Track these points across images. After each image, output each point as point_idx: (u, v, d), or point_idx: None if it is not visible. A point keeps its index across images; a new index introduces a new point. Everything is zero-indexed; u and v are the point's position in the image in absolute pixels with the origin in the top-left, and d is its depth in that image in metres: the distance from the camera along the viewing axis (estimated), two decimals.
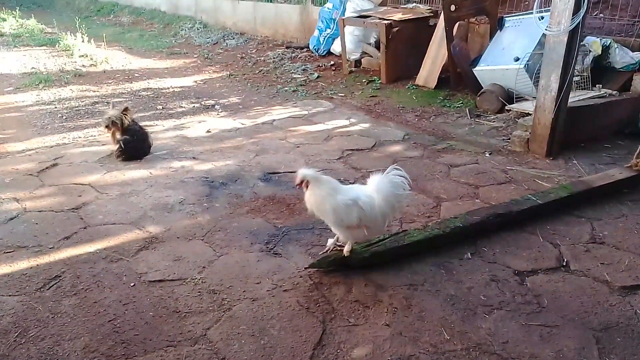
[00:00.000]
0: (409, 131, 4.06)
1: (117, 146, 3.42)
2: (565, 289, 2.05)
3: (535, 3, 3.33)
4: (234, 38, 8.40)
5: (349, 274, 2.15)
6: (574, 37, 3.12)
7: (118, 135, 3.44)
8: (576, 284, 2.08)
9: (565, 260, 2.24)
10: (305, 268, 2.18)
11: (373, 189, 2.07)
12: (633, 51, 4.21)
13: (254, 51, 7.53)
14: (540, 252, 2.30)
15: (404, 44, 5.28)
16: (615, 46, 4.22)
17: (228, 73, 6.37)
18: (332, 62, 6.37)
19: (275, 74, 6.21)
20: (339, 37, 5.91)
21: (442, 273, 2.16)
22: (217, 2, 9.42)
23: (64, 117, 4.51)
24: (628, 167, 2.96)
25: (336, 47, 6.41)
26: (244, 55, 7.36)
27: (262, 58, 7.01)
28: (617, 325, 1.85)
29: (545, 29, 3.21)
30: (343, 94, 5.26)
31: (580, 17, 3.02)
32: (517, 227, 2.48)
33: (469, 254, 2.29)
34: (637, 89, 4.04)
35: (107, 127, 3.44)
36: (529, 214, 2.54)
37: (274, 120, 4.42)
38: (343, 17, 5.88)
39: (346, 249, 2.14)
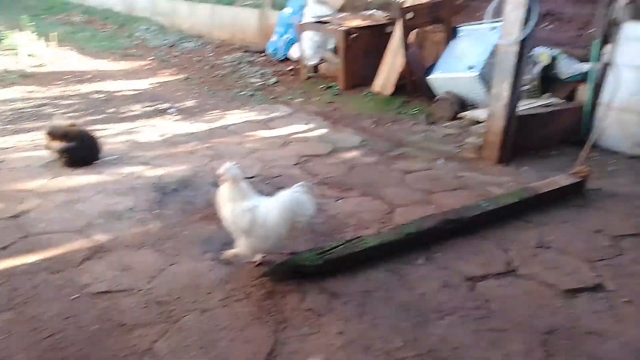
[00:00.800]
0: (365, 137, 4.08)
1: (60, 155, 3.27)
2: (513, 293, 2.10)
3: (487, 13, 3.42)
4: (191, 41, 8.25)
5: (303, 282, 2.12)
6: (524, 47, 3.22)
7: (58, 144, 3.27)
8: (524, 288, 2.13)
9: (514, 265, 2.29)
10: (259, 277, 2.14)
11: (276, 202, 2.06)
12: (579, 62, 4.39)
13: (211, 55, 7.42)
14: (491, 257, 2.35)
15: (362, 51, 5.32)
16: (562, 57, 4.39)
17: (184, 76, 6.25)
18: (290, 67, 6.35)
19: (233, 78, 6.14)
20: (298, 43, 5.90)
21: (395, 279, 2.17)
22: (174, 4, 9.25)
23: (7, 120, 4.30)
24: (572, 174, 3.07)
25: (295, 52, 6.39)
26: (201, 58, 7.25)
27: (220, 62, 6.91)
28: (562, 327, 1.90)
29: (498, 39, 3.30)
30: (301, 99, 5.25)
31: (530, 28, 3.12)
32: (469, 233, 2.52)
33: (422, 259, 2.31)
34: (581, 98, 4.21)
35: (49, 134, 3.30)
36: (480, 219, 2.59)
37: (230, 124, 4.36)
38: (301, 23, 5.88)
39: (234, 251, 2.12)
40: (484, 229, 2.56)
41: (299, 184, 2.10)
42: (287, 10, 6.58)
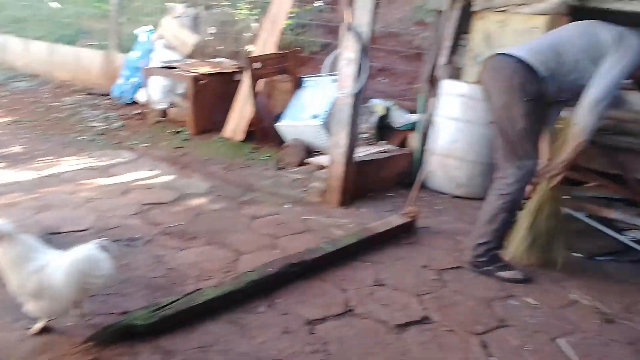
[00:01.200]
0: (214, 183, 4.03)
1: None
2: (350, 333, 2.17)
3: (324, 67, 3.67)
4: (24, 80, 7.49)
5: (135, 343, 1.96)
6: (358, 99, 3.50)
7: None
8: (360, 326, 2.23)
9: (352, 304, 2.39)
10: (82, 343, 1.93)
11: (63, 262, 1.88)
12: (409, 113, 4.90)
13: (48, 96, 6.80)
14: (330, 298, 2.42)
15: (211, 97, 5.31)
16: (394, 108, 4.87)
17: (13, 119, 5.61)
18: (137, 111, 6.07)
19: (71, 122, 5.67)
20: (145, 86, 5.70)
21: (236, 330, 2.11)
22: (4, 39, 8.36)
23: None
24: (404, 214, 3.35)
25: (142, 96, 6.15)
26: (35, 99, 6.59)
27: (58, 104, 6.36)
28: None
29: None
30: (147, 144, 5.03)
31: (362, 82, 3.42)
32: (311, 276, 2.59)
33: (264, 307, 2.29)
34: (411, 145, 4.68)
35: None
36: (321, 261, 2.68)
37: (65, 172, 3.98)
38: (149, 67, 5.71)
39: (36, 326, 1.94)
40: (325, 270, 2.65)
41: (96, 240, 1.94)
42: (135, 54, 6.36)
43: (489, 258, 2.79)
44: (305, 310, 2.29)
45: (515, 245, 2.91)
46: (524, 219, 2.88)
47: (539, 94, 2.61)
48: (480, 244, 2.79)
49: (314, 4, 6.19)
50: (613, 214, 3.31)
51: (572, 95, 2.66)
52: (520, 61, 2.61)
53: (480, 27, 4.65)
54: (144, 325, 2.00)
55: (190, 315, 2.13)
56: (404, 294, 2.54)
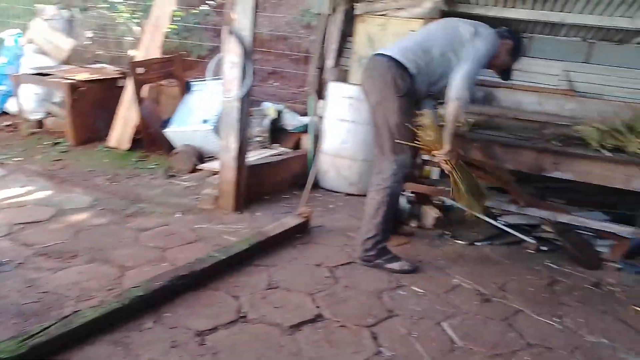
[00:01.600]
0: (98, 196, 3.77)
1: None
2: (242, 339, 2.14)
3: (208, 71, 3.59)
4: None
5: None
6: (245, 103, 3.47)
7: None
8: (252, 332, 2.20)
9: (244, 310, 2.36)
10: None
11: None
12: (300, 115, 4.96)
13: None
14: (222, 307, 2.37)
15: (92, 105, 4.99)
16: (286, 111, 4.91)
17: None
18: (7, 123, 5.53)
19: None
20: (16, 96, 5.20)
21: (119, 350, 1.99)
22: None
23: None
24: (298, 215, 3.38)
25: (12, 106, 5.61)
26: None
27: None
28: None
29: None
30: (20, 158, 4.59)
31: (247, 86, 3.39)
32: (202, 286, 2.51)
33: (151, 322, 2.18)
34: (305, 146, 4.75)
35: None
36: (212, 270, 2.61)
37: None
38: (17, 74, 5.22)
39: None
40: (217, 279, 2.59)
41: None
42: (1, 60, 5.78)
43: (378, 251, 2.90)
44: (195, 322, 2.21)
45: (467, 204, 3.07)
46: (458, 184, 2.99)
47: (410, 90, 2.81)
48: (367, 239, 2.90)
49: (200, 8, 6.05)
50: (488, 202, 3.58)
51: (442, 88, 2.90)
52: (392, 59, 2.79)
53: (362, 30, 4.83)
54: (11, 358, 1.81)
55: (66, 341, 1.97)
56: (297, 294, 2.55)
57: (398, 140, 2.82)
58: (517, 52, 3.03)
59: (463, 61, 2.77)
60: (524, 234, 3.60)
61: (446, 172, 3.01)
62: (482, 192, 3.10)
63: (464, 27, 2.85)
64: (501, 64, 3.03)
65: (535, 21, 4.77)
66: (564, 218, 3.37)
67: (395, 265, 2.91)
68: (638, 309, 2.80)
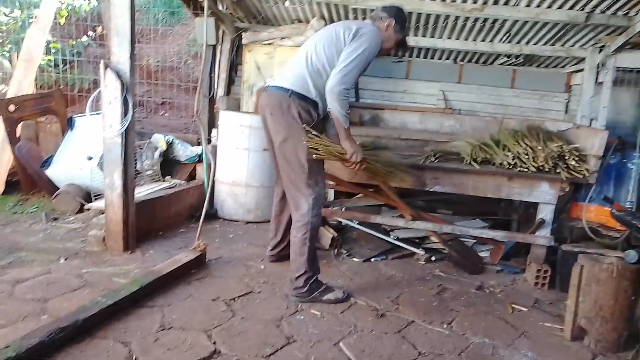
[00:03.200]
0: None
1: None
2: None
3: (88, 106, 3.43)
4: None
5: None
6: (129, 137, 3.34)
7: None
8: None
9: (135, 356, 2.24)
10: None
11: None
12: (192, 146, 4.88)
13: None
14: (110, 356, 2.23)
15: None
16: (178, 142, 4.81)
17: None
18: None
19: None
20: None
21: None
22: None
23: None
24: (193, 249, 3.30)
25: None
26: None
27: None
28: None
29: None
30: None
31: (129, 120, 3.28)
32: (87, 336, 2.34)
33: None
34: (200, 177, 4.67)
35: None
36: (99, 318, 2.45)
37: None
38: None
39: None
40: (104, 327, 2.44)
41: None
42: None
43: (310, 287, 2.88)
44: None
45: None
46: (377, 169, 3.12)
47: (314, 118, 2.79)
48: (298, 277, 2.87)
49: (79, 39, 5.77)
50: (378, 219, 3.75)
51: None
52: (293, 93, 2.74)
53: (251, 59, 4.91)
54: None
55: None
56: (192, 333, 2.48)
57: (311, 173, 2.80)
58: (403, 25, 2.98)
59: (336, 67, 2.70)
60: (414, 247, 3.81)
61: (359, 169, 2.99)
62: (393, 164, 3.27)
63: (343, 30, 2.77)
64: (394, 44, 2.99)
65: (411, 46, 5.14)
66: (447, 228, 3.62)
67: (330, 296, 2.91)
68: (515, 306, 3.07)
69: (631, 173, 3.68)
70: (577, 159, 3.33)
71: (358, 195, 4.14)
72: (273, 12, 4.82)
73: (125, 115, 3.24)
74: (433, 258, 3.73)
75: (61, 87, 5.18)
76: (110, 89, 3.17)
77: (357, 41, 2.73)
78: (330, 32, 2.83)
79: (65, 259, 3.31)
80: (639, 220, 2.44)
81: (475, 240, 3.85)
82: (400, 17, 2.95)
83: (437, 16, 4.48)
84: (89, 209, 4.15)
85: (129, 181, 3.37)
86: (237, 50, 5.24)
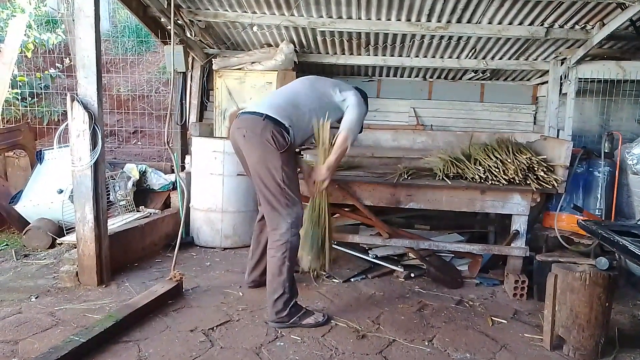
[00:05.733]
0: None
1: None
2: None
3: (57, 139, 3.38)
4: None
5: None
6: (98, 169, 3.29)
7: None
8: None
9: None
10: None
11: None
12: (165, 173, 4.83)
13: None
14: None
15: None
16: (150, 170, 4.75)
17: None
18: None
19: None
20: None
21: None
22: None
23: None
24: (169, 279, 3.24)
25: None
26: None
27: None
28: None
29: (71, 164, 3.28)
30: None
31: (98, 152, 3.23)
32: None
33: None
34: (175, 205, 4.62)
35: None
36: (72, 358, 2.38)
37: None
38: None
39: None
40: None
41: None
42: None
43: (289, 311, 2.84)
44: None
45: (305, 257, 3.09)
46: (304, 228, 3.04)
47: (288, 142, 2.82)
48: (276, 299, 2.83)
49: (47, 72, 5.70)
50: (356, 238, 3.75)
51: (312, 139, 3.03)
52: (267, 117, 2.79)
53: (222, 84, 4.92)
54: None
55: None
56: None
57: (287, 195, 2.81)
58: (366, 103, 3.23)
59: (350, 106, 2.97)
60: (393, 264, 3.81)
61: (311, 194, 3.09)
62: (324, 246, 3.19)
63: (329, 88, 3.05)
64: None
65: (380, 66, 5.24)
66: (424, 244, 3.64)
67: (310, 320, 2.88)
68: (495, 319, 3.08)
69: (598, 181, 3.77)
70: (545, 169, 3.40)
71: (335, 215, 4.13)
72: (242, 38, 4.86)
73: (95, 147, 3.20)
74: (412, 275, 3.73)
75: (29, 120, 5.10)
76: (77, 122, 3.13)
77: (350, 94, 3.03)
78: (314, 83, 3.12)
79: (37, 297, 3.22)
80: (605, 229, 2.49)
81: (453, 255, 3.87)
82: (365, 98, 3.23)
83: (404, 35, 4.58)
84: (61, 244, 4.06)
85: (101, 214, 3.31)
86: (208, 76, 5.26)
